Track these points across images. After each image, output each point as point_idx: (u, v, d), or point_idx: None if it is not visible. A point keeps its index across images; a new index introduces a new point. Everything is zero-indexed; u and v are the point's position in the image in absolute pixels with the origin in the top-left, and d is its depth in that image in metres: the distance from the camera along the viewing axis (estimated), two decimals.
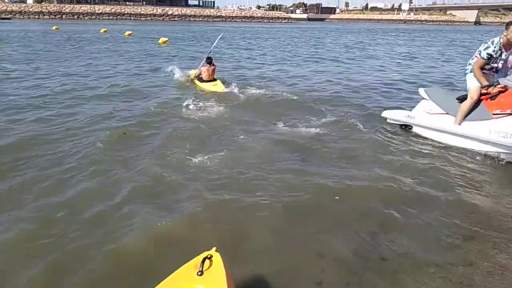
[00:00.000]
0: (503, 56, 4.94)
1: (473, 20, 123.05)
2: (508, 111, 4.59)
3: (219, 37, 11.91)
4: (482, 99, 5.01)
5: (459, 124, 5.16)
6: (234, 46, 23.88)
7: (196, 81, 9.61)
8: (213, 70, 9.44)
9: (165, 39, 25.63)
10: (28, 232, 3.17)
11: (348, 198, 3.85)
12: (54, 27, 39.62)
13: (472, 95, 5.01)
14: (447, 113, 5.45)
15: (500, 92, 4.82)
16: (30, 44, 21.68)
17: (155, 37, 29.10)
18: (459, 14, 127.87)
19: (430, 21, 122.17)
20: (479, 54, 5.04)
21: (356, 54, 20.13)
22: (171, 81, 10.46)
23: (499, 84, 4.85)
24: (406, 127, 6.13)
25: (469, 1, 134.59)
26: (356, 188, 4.06)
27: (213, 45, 11.06)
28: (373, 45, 27.67)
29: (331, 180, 4.22)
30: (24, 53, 16.56)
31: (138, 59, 15.82)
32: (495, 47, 4.88)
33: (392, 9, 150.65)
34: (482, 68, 5.10)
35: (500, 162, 4.78)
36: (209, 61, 9.46)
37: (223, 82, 9.43)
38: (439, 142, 5.50)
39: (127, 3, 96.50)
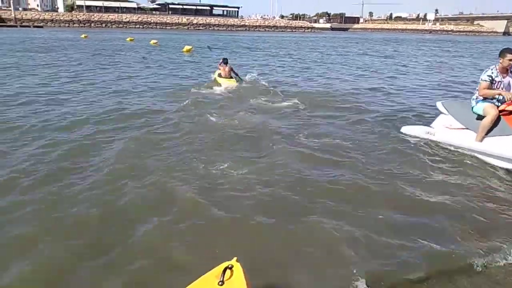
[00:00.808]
0: (506, 82, 5.03)
1: (502, 30, 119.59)
2: None
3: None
4: (501, 115, 4.92)
5: (481, 141, 5.07)
6: (263, 54, 24.07)
7: (217, 77, 11.27)
8: (230, 69, 11.17)
9: (189, 47, 26.09)
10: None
11: (374, 210, 3.79)
12: (83, 35, 41.06)
13: (490, 112, 4.96)
14: (467, 128, 5.33)
15: None
16: (66, 52, 22.52)
17: (180, 45, 29.67)
18: (487, 25, 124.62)
19: (456, 31, 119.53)
20: (481, 80, 5.10)
21: (387, 63, 19.91)
22: (196, 85, 10.92)
23: None
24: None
25: (497, 11, 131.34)
26: (383, 201, 4.00)
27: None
28: (405, 55, 27.26)
29: (352, 193, 4.18)
30: (63, 60, 17.25)
31: (165, 67, 16.16)
32: (492, 70, 5.04)
33: (417, 19, 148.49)
34: (487, 99, 5.14)
35: None
36: (225, 61, 11.26)
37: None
38: (461, 156, 5.32)
39: (154, 12, 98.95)
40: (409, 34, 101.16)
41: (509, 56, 4.85)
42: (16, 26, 69.34)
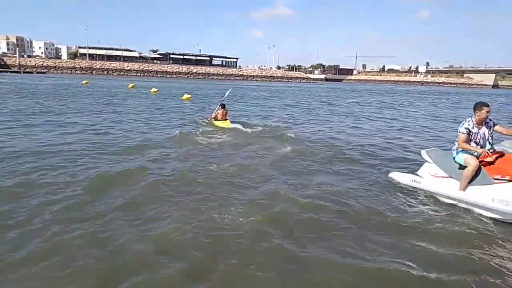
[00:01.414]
0: (481, 133, 5.34)
1: (491, 83, 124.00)
2: (508, 178, 4.76)
3: (228, 91, 15.63)
4: (481, 165, 5.16)
5: (464, 190, 5.25)
6: (263, 102, 24.46)
7: (213, 121, 12.60)
8: (225, 113, 12.50)
9: (188, 95, 26.58)
10: None
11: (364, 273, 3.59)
12: (84, 82, 41.93)
13: (471, 163, 5.18)
14: (450, 177, 5.54)
15: (498, 157, 5.01)
16: (71, 99, 22.79)
17: (180, 93, 30.20)
18: (477, 78, 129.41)
19: (447, 83, 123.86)
20: (459, 133, 5.41)
21: (388, 114, 20.18)
22: (197, 132, 11.23)
23: (494, 150, 5.13)
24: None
25: (486, 65, 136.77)
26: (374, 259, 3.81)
27: (224, 97, 14.84)
28: (404, 106, 27.81)
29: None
30: (71, 107, 17.38)
31: (167, 114, 16.25)
32: (469, 123, 5.35)
33: (409, 71, 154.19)
34: None
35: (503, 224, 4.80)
36: (223, 106, 12.66)
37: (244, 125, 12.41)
38: (445, 203, 5.49)
39: (155, 61, 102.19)
40: (403, 86, 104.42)
41: (486, 109, 5.20)
42: (19, 72, 71.04)
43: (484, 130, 5.34)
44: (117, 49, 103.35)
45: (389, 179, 6.65)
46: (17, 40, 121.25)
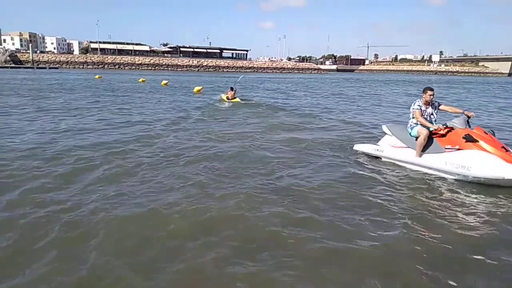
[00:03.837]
0: (428, 111, 6.50)
1: (507, 71, 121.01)
2: (457, 147, 5.86)
3: (240, 77, 22.55)
4: (433, 137, 6.25)
5: (420, 156, 6.33)
6: (274, 89, 24.31)
7: (225, 99, 17.37)
8: (233, 93, 17.27)
9: (199, 87, 26.54)
10: None
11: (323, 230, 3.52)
12: (96, 76, 42.30)
13: (422, 132, 6.27)
14: (408, 147, 6.58)
15: (448, 131, 6.10)
16: (83, 93, 22.99)
17: (191, 86, 30.18)
18: (492, 66, 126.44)
19: (462, 72, 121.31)
20: (413, 109, 6.50)
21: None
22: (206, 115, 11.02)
23: (446, 126, 6.15)
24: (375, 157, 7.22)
25: (501, 53, 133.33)
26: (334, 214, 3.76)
27: (237, 81, 21.66)
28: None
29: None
30: (89, 100, 17.56)
31: (175, 106, 16.29)
32: (418, 102, 6.51)
33: (422, 60, 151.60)
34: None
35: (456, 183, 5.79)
36: (232, 88, 17.51)
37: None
38: (403, 168, 6.56)
39: (165, 55, 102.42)
40: (417, 75, 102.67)
41: (429, 92, 6.37)
42: (33, 68, 72.06)
43: (430, 109, 6.50)
44: (128, 43, 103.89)
45: (354, 150, 7.63)
46: (29, 36, 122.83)
